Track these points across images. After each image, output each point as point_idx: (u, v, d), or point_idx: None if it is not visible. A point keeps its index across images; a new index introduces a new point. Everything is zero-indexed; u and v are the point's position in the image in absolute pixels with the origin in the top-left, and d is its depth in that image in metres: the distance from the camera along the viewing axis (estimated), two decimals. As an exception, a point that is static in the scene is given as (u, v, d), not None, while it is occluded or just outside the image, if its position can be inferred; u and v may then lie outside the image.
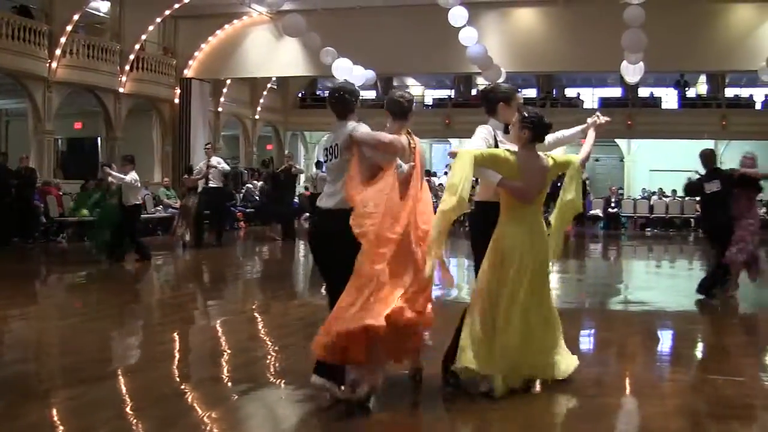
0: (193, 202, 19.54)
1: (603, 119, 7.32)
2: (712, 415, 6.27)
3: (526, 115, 6.70)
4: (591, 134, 7.33)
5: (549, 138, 7.12)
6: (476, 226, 7.04)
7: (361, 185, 6.27)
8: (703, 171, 12.58)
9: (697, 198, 14.17)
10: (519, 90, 7.19)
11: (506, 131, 6.87)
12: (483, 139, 6.79)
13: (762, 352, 8.95)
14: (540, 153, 6.79)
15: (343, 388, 6.12)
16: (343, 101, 6.99)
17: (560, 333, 6.90)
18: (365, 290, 5.95)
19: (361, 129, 6.71)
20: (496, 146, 6.71)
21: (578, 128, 7.27)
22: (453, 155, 6.59)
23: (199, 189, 19.65)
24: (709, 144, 36.57)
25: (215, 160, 19.67)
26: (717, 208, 12.00)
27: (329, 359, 6.00)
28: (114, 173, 16.13)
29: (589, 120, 7.32)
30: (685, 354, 8.77)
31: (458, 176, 6.35)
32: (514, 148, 6.72)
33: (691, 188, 13.23)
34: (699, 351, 9.01)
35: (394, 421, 6.08)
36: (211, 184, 19.64)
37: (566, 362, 6.83)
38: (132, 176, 15.99)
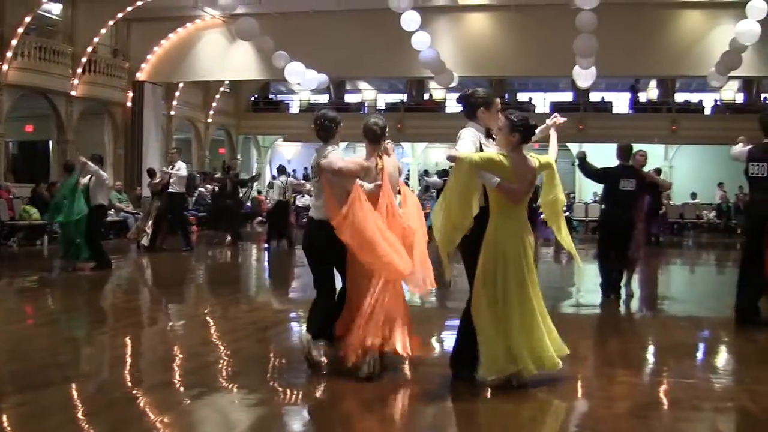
0: (156, 206, 19.48)
1: (561, 120, 7.52)
2: (661, 417, 6.36)
3: (515, 119, 6.83)
4: (553, 134, 7.50)
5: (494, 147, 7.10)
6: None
7: (336, 207, 7.27)
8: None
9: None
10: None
11: (487, 135, 7.05)
12: (471, 141, 6.91)
13: (712, 353, 9.07)
14: (527, 154, 6.92)
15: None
16: (324, 128, 7.78)
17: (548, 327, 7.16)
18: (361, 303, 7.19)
19: (332, 156, 7.53)
20: (481, 149, 6.84)
21: (537, 129, 7.32)
22: (452, 159, 6.62)
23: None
24: (659, 148, 37.17)
25: (177, 165, 19.47)
26: (626, 207, 12.13)
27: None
28: (93, 167, 15.73)
29: (548, 121, 7.50)
30: (636, 356, 8.85)
31: (463, 183, 6.55)
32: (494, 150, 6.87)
33: (599, 174, 12.96)
34: (650, 353, 9.11)
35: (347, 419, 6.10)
36: (172, 189, 19.42)
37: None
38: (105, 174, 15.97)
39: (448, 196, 6.68)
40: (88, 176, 15.52)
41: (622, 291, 12.45)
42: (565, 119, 7.61)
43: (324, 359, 7.48)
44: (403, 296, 7.50)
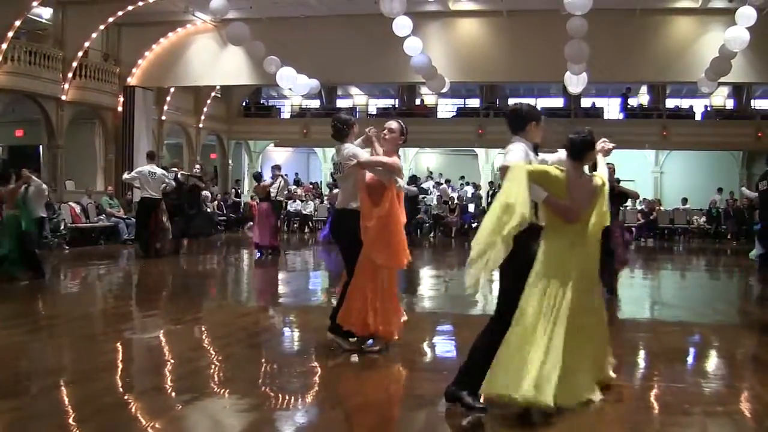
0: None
1: (609, 145, 7.41)
2: (651, 422, 6.37)
3: (570, 136, 6.81)
4: (600, 158, 7.29)
5: (551, 158, 7.15)
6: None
7: (370, 206, 8.34)
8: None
9: None
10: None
11: (534, 150, 6.89)
12: (521, 154, 6.68)
13: (702, 358, 9.09)
14: (589, 173, 6.81)
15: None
16: (337, 129, 8.81)
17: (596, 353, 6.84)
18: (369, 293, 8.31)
19: (362, 155, 8.58)
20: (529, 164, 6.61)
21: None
22: (504, 170, 6.45)
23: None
24: (650, 154, 37.28)
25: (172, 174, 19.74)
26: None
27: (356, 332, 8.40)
28: (37, 180, 15.63)
29: (597, 146, 7.21)
30: (626, 361, 8.86)
31: (513, 194, 6.15)
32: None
33: None
34: (640, 358, 9.12)
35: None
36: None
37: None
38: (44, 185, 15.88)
39: (495, 208, 6.22)
40: (26, 187, 15.43)
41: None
42: (614, 145, 7.46)
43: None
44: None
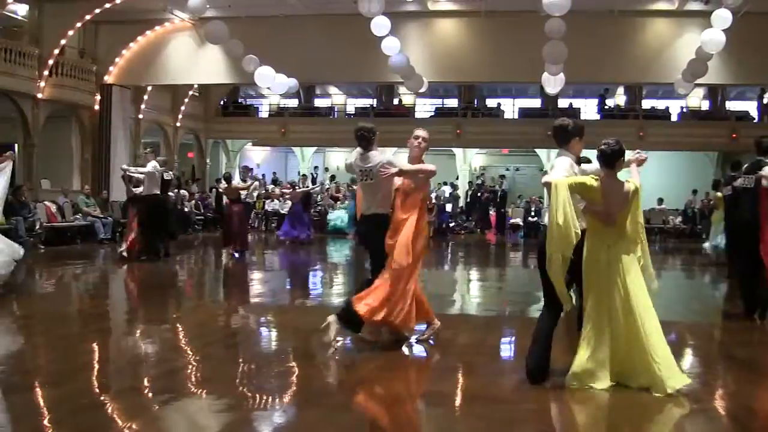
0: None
1: (643, 155, 8.00)
2: (628, 422, 6.40)
3: (602, 147, 7.44)
4: (633, 168, 7.87)
5: (590, 168, 7.87)
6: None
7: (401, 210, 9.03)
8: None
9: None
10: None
11: (578, 162, 7.78)
12: (565, 169, 7.45)
13: (678, 356, 9.12)
14: (622, 179, 7.40)
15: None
16: (365, 138, 9.26)
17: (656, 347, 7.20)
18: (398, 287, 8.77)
19: (400, 163, 9.22)
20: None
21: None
22: (547, 185, 7.15)
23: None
24: (627, 154, 37.34)
25: (150, 165, 18.55)
26: None
27: (373, 323, 8.80)
28: None
29: (631, 156, 7.85)
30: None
31: (560, 211, 6.98)
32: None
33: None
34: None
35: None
36: (141, 191, 18.72)
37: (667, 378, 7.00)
38: None
39: (552, 224, 7.03)
40: None
41: None
42: (647, 156, 8.06)
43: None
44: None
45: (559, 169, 7.39)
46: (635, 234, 7.46)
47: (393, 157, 9.43)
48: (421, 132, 9.70)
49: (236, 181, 20.85)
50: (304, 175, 36.88)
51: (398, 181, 9.20)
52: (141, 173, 18.54)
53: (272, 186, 33.17)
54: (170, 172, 19.53)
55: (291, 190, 25.69)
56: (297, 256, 22.55)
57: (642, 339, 7.11)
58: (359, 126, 9.38)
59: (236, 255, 19.96)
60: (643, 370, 7.03)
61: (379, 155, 9.22)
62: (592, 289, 7.32)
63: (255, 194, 22.01)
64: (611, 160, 7.37)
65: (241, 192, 20.45)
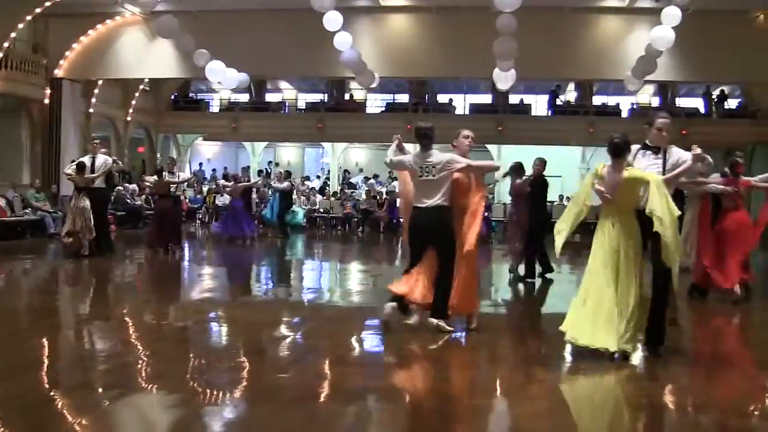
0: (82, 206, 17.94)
1: (698, 150, 8.79)
2: (579, 414, 6.48)
3: (616, 141, 8.77)
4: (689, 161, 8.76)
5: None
6: None
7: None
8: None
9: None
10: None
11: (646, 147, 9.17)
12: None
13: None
14: (624, 167, 8.66)
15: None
16: (428, 136, 10.17)
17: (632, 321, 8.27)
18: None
19: (463, 160, 10.08)
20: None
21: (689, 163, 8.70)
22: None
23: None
24: (577, 150, 37.69)
25: (102, 159, 18.20)
26: (539, 208, 16.03)
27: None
28: None
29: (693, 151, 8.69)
30: (554, 355, 8.99)
31: (579, 195, 9.08)
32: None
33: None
34: (567, 352, 9.24)
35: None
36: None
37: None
38: None
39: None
40: None
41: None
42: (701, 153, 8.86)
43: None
44: None
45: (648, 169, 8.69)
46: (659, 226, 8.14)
47: (454, 155, 10.13)
48: (468, 132, 10.63)
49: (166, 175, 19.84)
50: (260, 171, 36.83)
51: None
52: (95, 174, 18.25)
53: (223, 181, 33.02)
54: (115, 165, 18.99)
55: (232, 184, 25.03)
56: (245, 252, 22.49)
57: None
58: (422, 126, 10.23)
59: (173, 252, 19.28)
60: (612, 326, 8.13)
61: (441, 153, 10.02)
62: (597, 251, 8.62)
63: (186, 188, 21.28)
64: (621, 151, 8.71)
65: (171, 186, 19.82)
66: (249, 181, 26.98)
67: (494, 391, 7.29)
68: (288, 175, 27.69)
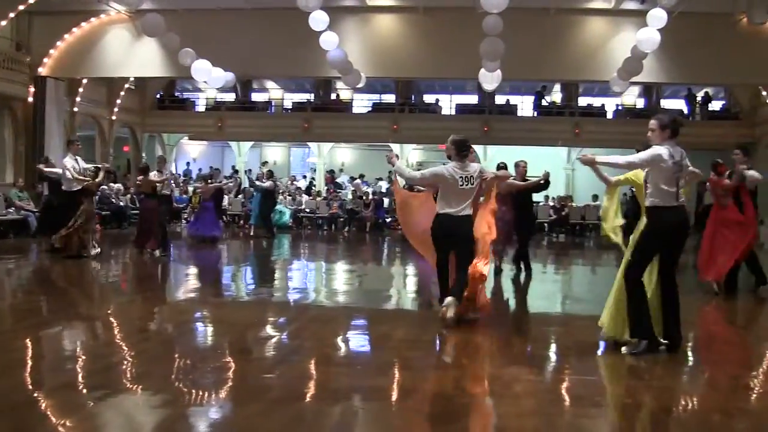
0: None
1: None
2: (563, 414, 6.48)
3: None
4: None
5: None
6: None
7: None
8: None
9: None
10: None
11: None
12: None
13: (613, 351, 9.24)
14: None
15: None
16: (466, 148, 10.56)
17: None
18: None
19: (486, 169, 10.85)
20: None
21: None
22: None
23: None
24: (562, 151, 37.80)
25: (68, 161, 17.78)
26: (525, 209, 16.42)
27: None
28: None
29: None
30: (539, 354, 9.00)
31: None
32: None
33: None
34: (552, 351, 9.26)
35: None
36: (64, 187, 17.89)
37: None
38: None
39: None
40: None
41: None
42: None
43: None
44: None
45: None
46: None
47: (480, 165, 10.97)
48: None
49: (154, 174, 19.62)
50: (235, 170, 36.82)
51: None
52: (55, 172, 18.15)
53: (210, 181, 32.94)
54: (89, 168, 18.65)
55: (202, 184, 24.67)
56: (229, 252, 22.45)
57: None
58: (461, 140, 10.58)
59: (156, 253, 18.92)
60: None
61: (473, 164, 10.66)
62: None
63: (173, 187, 21.03)
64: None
65: (157, 185, 19.20)
66: (221, 181, 26.88)
67: (480, 391, 7.29)
68: (270, 174, 27.58)
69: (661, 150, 8.60)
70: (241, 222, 31.96)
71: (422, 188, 12.22)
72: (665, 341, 8.57)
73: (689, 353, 8.70)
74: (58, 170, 18.49)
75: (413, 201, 11.88)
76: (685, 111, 37.03)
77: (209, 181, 25.29)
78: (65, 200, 17.99)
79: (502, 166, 15.67)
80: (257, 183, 27.18)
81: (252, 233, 26.98)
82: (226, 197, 31.47)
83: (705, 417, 6.61)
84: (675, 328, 8.59)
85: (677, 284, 8.71)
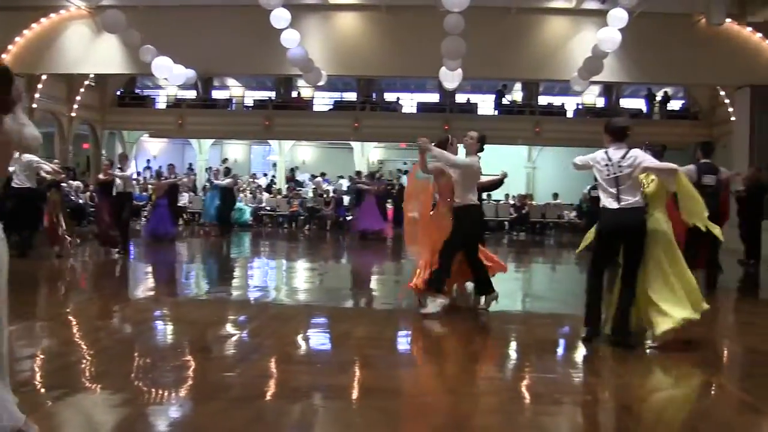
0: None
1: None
2: (524, 411, 6.51)
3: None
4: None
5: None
6: None
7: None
8: None
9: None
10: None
11: None
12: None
13: (572, 349, 9.30)
14: None
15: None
16: (483, 142, 11.57)
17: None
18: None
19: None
20: None
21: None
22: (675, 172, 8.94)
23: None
24: (523, 149, 37.99)
25: (26, 157, 16.62)
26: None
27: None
28: None
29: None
30: (499, 352, 9.05)
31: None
32: None
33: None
34: (512, 349, 9.30)
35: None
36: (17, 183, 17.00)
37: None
38: None
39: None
40: None
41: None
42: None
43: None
44: None
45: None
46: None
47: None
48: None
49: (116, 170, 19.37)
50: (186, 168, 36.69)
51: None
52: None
53: (162, 178, 32.74)
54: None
55: (155, 181, 23.98)
56: (189, 250, 22.38)
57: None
58: (483, 135, 11.68)
59: (113, 252, 18.81)
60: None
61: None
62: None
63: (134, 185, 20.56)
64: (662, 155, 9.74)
65: (117, 182, 19.08)
66: (175, 177, 26.61)
67: (442, 388, 7.31)
68: (228, 171, 27.43)
69: (597, 153, 8.95)
70: (202, 220, 31.81)
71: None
72: (615, 337, 8.83)
73: (648, 351, 8.76)
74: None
75: (421, 193, 12.05)
76: (645, 110, 37.33)
77: (162, 177, 24.90)
78: (22, 199, 17.54)
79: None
80: (215, 181, 26.96)
81: (207, 231, 26.75)
82: (185, 195, 31.35)
83: (663, 413, 6.68)
84: (622, 324, 8.78)
85: (634, 287, 8.76)
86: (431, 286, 10.97)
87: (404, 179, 37.39)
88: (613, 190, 8.73)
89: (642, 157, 8.75)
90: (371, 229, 26.04)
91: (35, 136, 5.41)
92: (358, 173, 31.13)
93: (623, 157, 8.73)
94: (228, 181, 26.24)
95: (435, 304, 10.86)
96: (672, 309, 8.60)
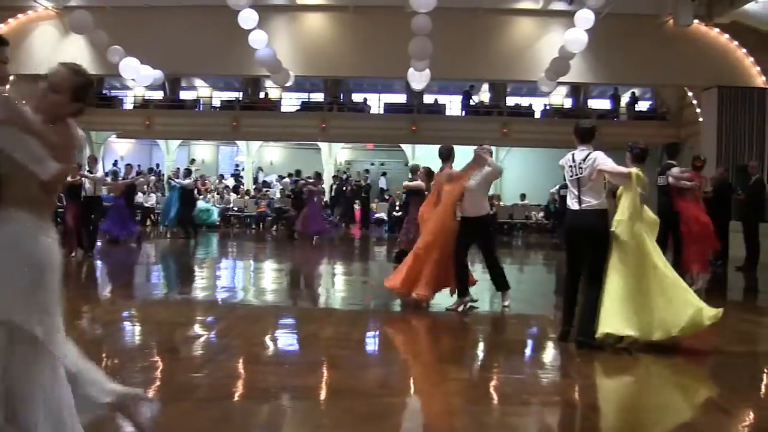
0: None
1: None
2: (492, 412, 6.55)
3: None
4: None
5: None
6: None
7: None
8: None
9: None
10: None
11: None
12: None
13: (540, 349, 9.36)
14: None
15: None
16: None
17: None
18: None
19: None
20: None
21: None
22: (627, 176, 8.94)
23: None
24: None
25: None
26: None
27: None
28: None
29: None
30: (467, 353, 9.08)
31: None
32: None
33: None
34: (480, 350, 9.35)
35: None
36: None
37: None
38: None
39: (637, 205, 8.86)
40: None
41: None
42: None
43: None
44: None
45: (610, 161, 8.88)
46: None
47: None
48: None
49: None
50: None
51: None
52: None
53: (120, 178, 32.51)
54: None
55: (112, 181, 23.30)
56: (155, 251, 22.30)
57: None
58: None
59: (76, 254, 18.43)
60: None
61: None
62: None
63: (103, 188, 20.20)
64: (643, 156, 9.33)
65: (87, 186, 18.82)
66: (132, 177, 26.31)
67: (408, 389, 7.34)
68: (188, 173, 27.16)
69: (568, 155, 9.10)
70: (160, 226, 31.52)
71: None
72: (579, 338, 8.87)
73: (614, 352, 8.82)
74: None
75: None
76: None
77: (119, 177, 24.43)
78: None
79: (413, 169, 16.04)
80: (176, 180, 26.52)
81: (175, 232, 26.45)
82: (152, 196, 31.16)
83: (629, 414, 6.75)
84: (586, 325, 8.77)
85: (599, 289, 8.81)
86: (461, 295, 11.63)
87: (382, 181, 37.54)
88: (576, 192, 8.83)
89: (601, 159, 8.78)
90: (317, 230, 25.66)
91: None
92: (318, 174, 30.93)
93: (584, 159, 8.80)
94: (188, 181, 25.92)
95: (462, 303, 11.59)
96: (625, 320, 8.62)
